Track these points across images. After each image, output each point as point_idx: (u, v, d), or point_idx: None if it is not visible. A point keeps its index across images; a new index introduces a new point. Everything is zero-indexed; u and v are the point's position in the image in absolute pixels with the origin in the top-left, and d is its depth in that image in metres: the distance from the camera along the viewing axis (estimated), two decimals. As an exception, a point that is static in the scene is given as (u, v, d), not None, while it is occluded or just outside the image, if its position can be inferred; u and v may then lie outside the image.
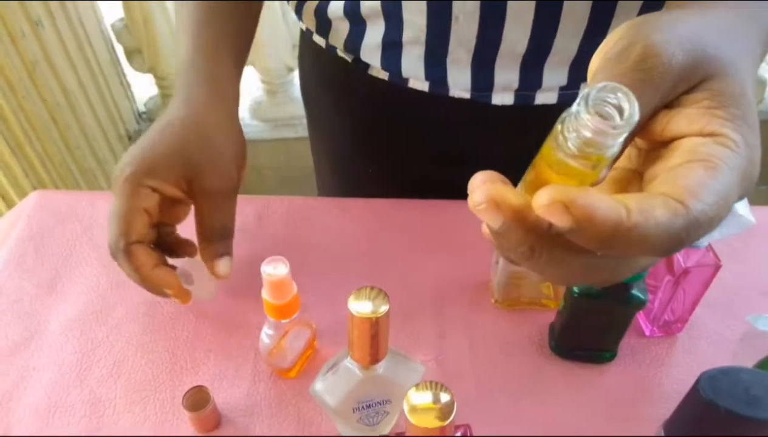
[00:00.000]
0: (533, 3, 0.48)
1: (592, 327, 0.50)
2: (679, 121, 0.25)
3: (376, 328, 0.38)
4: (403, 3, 0.51)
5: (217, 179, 0.50)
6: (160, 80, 1.50)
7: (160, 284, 0.48)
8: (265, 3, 0.62)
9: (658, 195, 0.22)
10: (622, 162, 0.28)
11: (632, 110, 0.21)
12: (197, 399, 0.47)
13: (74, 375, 0.51)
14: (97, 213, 0.64)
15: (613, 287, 0.45)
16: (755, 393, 0.33)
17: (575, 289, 0.47)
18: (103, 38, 1.41)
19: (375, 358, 0.40)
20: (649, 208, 0.21)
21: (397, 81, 0.58)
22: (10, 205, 1.36)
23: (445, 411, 0.32)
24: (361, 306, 0.37)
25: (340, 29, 0.58)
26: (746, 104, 0.25)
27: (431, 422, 0.32)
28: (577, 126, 0.21)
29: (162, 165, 0.48)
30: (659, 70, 0.25)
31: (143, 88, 1.61)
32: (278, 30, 1.39)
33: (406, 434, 0.34)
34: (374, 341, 0.39)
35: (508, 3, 0.48)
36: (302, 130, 1.56)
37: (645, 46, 0.25)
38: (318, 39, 0.62)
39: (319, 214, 0.65)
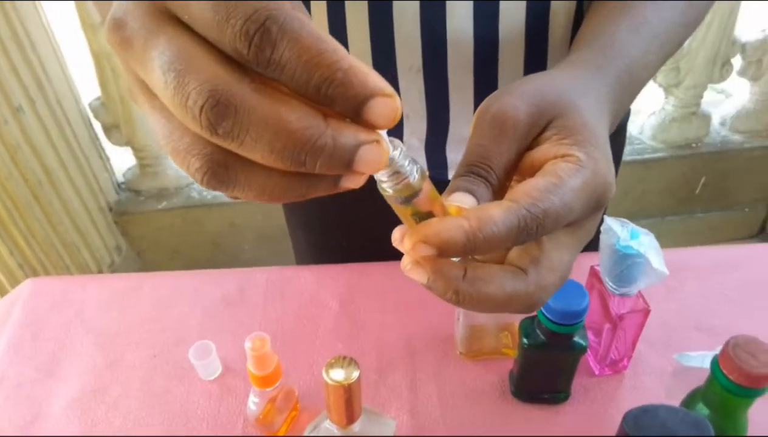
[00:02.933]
0: (471, 99, 0.55)
1: (544, 373, 0.56)
2: (539, 155, 0.32)
3: (349, 393, 0.44)
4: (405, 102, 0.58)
5: None
6: (138, 152, 1.56)
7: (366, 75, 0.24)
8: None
9: (496, 202, 0.28)
10: None
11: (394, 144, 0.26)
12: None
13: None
14: (88, 296, 0.69)
15: (557, 338, 0.51)
16: (671, 427, 0.39)
17: (525, 341, 0.53)
18: (82, 117, 1.47)
19: (351, 419, 0.45)
20: (484, 210, 0.27)
21: None
22: (-6, 283, 1.39)
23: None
24: (334, 374, 0.43)
25: None
26: (589, 131, 0.32)
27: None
28: (381, 181, 0.27)
29: None
30: (509, 124, 0.32)
31: (121, 159, 1.67)
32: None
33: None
34: (348, 404, 0.44)
35: (450, 100, 0.56)
36: (277, 190, 1.62)
37: (495, 108, 0.32)
38: None
39: (295, 282, 0.70)
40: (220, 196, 1.62)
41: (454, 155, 0.62)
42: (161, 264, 1.71)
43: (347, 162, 0.22)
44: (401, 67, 0.54)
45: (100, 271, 1.55)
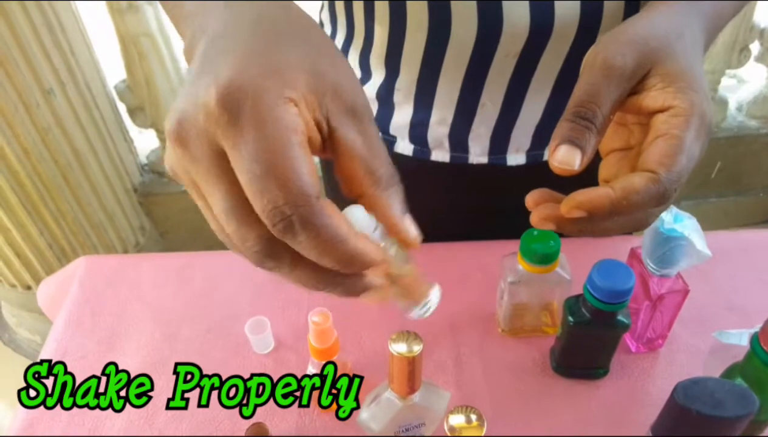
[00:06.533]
0: (551, 85, 0.58)
1: (586, 349, 0.59)
2: (647, 101, 0.37)
3: (412, 365, 0.47)
4: (438, 93, 0.61)
5: (357, 93, 0.31)
6: (162, 133, 1.58)
7: (369, 254, 0.29)
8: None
9: (637, 171, 0.34)
10: (626, 141, 0.41)
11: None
12: (257, 433, 0.55)
13: (143, 421, 0.59)
14: (143, 275, 0.72)
15: (602, 316, 0.54)
16: (719, 397, 0.42)
17: (570, 318, 0.56)
18: (108, 99, 1.49)
19: (412, 389, 0.48)
20: (628, 181, 0.34)
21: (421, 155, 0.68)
22: (24, 261, 1.43)
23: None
24: (399, 347, 0.46)
25: None
26: (689, 75, 0.36)
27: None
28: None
29: (293, 70, 0.29)
30: (617, 68, 0.36)
31: (144, 141, 1.69)
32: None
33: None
34: (411, 375, 0.47)
35: (530, 87, 0.58)
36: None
37: (604, 55, 0.37)
38: None
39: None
40: (242, 178, 1.64)
41: (474, 142, 0.65)
42: (184, 245, 1.74)
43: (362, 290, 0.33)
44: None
45: (125, 251, 1.58)
